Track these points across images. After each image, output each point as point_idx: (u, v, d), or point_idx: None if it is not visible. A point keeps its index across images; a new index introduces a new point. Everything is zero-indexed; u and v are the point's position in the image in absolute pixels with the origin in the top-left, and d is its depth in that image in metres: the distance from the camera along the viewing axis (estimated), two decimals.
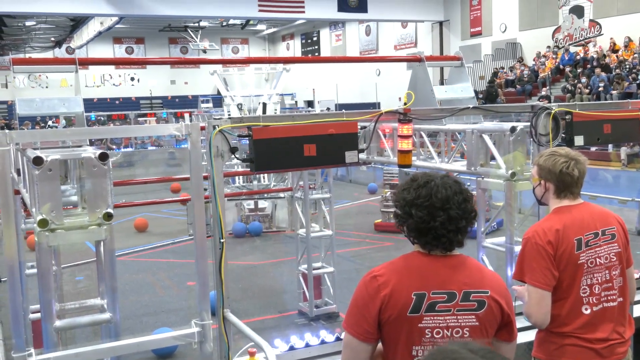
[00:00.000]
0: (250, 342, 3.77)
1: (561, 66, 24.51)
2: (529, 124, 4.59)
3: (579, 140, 4.63)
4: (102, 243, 3.69)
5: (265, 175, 13.96)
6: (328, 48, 38.80)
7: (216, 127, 3.53)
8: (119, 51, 39.60)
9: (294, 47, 41.97)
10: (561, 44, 25.30)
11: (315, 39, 39.67)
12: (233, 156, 3.64)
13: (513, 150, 4.69)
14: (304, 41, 40.90)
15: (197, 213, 3.59)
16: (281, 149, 3.70)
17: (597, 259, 3.30)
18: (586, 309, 3.30)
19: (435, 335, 2.43)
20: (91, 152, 3.54)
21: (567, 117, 4.58)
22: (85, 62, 4.03)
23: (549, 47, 25.73)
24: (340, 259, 9.08)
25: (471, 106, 4.32)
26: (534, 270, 3.22)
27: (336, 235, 8.18)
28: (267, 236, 12.71)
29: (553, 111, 4.49)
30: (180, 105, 36.60)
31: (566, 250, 3.24)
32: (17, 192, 4.53)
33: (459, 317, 2.44)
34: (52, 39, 35.35)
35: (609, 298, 3.33)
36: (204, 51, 36.79)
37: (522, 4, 26.80)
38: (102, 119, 26.86)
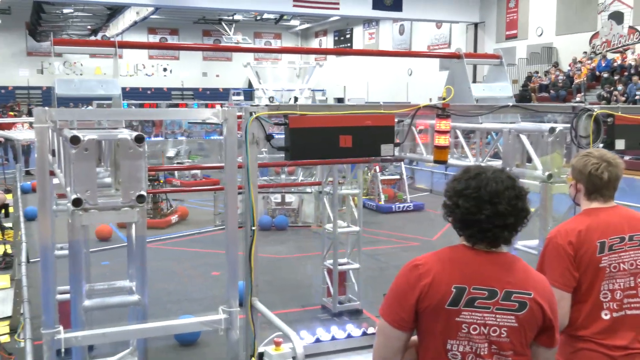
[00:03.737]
0: (277, 332, 3.75)
1: (597, 73, 24.10)
2: (568, 125, 4.50)
3: (620, 144, 4.52)
4: (133, 225, 3.71)
5: (294, 168, 13.97)
6: (361, 46, 38.69)
7: (253, 113, 3.51)
8: (153, 41, 39.97)
9: (327, 44, 41.94)
10: (598, 50, 24.88)
11: (348, 36, 39.59)
12: (268, 144, 3.61)
13: (551, 151, 4.60)
14: (336, 38, 40.84)
15: (229, 200, 3.57)
16: (317, 139, 3.67)
17: (621, 264, 3.22)
18: (606, 314, 3.22)
19: (471, 332, 2.39)
20: (127, 133, 3.55)
21: (608, 119, 4.47)
22: (124, 45, 4.06)
23: (585, 52, 25.31)
24: (366, 256, 9.01)
25: (511, 104, 4.23)
26: (554, 270, 3.18)
27: (363, 233, 8.12)
28: (293, 230, 12.69)
29: (595, 113, 4.38)
30: (212, 97, 36.84)
31: (587, 253, 3.17)
32: (52, 173, 4.56)
33: (497, 315, 2.39)
34: (89, 27, 35.78)
35: (632, 305, 3.24)
36: (237, 44, 36.92)
37: (560, 8, 26.39)
38: (134, 107, 27.08)
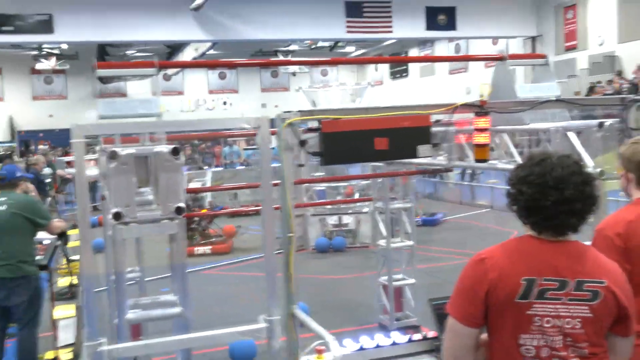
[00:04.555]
0: (319, 341, 3.69)
1: None
2: (619, 119, 4.32)
3: None
4: (174, 237, 3.75)
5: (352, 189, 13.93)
6: (417, 68, 38.55)
7: (286, 119, 3.52)
8: (212, 77, 41.00)
9: (383, 68, 41.99)
10: None
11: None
12: (302, 149, 3.60)
13: (602, 147, 4.42)
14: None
15: (265, 205, 3.55)
16: (351, 142, 3.64)
17: None
18: None
19: (545, 325, 2.30)
20: (164, 147, 3.61)
21: None
22: (165, 65, 4.16)
23: None
24: (422, 273, 8.84)
25: (554, 98, 4.09)
26: None
27: (419, 251, 7.97)
28: (351, 251, 12.60)
29: None
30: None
31: (638, 244, 3.00)
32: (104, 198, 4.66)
33: (570, 306, 2.30)
34: None
35: None
36: (294, 74, 37.47)
37: (622, 16, 25.62)
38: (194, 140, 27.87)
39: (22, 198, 6.34)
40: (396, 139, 3.68)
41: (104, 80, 38.28)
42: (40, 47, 30.52)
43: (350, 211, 13.23)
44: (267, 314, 3.64)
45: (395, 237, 8.00)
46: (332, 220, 13.19)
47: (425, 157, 3.71)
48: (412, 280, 7.82)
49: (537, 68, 5.37)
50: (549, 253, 2.35)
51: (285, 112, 3.53)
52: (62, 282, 9.50)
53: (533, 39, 29.84)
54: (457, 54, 35.19)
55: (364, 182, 13.16)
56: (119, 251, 3.60)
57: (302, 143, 3.55)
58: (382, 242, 7.80)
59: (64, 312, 7.34)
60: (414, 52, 38.74)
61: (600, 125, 4.38)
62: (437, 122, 3.79)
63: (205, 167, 22.67)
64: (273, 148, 3.67)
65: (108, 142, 4.20)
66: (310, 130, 3.58)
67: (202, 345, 3.52)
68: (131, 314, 3.64)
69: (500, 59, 5.15)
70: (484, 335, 2.45)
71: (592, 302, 2.31)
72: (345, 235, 12.99)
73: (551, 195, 2.30)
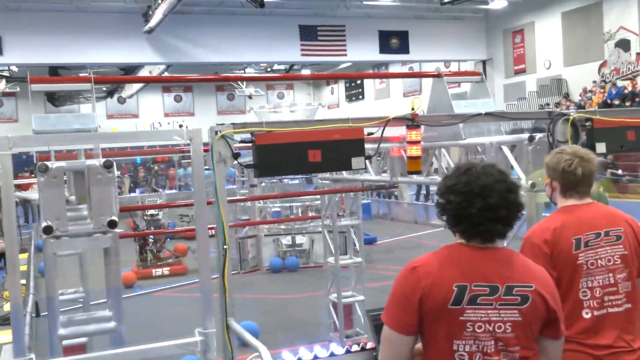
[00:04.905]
0: (256, 353, 3.68)
1: (608, 100, 23.96)
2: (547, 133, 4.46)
3: (600, 147, 4.45)
4: (108, 252, 3.72)
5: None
6: (372, 91, 39.04)
7: (218, 132, 3.54)
8: (168, 100, 40.75)
9: (339, 91, 42.38)
10: (608, 78, 24.81)
11: (359, 82, 39.99)
12: (236, 162, 3.63)
13: (532, 160, 4.56)
14: (347, 85, 41.28)
15: (199, 219, 3.56)
16: (285, 155, 3.68)
17: (598, 260, 3.14)
18: (587, 313, 3.13)
19: (476, 330, 2.35)
20: (96, 160, 3.59)
21: (587, 123, 4.43)
22: (101, 81, 4.14)
23: (595, 82, 25.26)
24: (374, 291, 8.90)
25: (484, 112, 4.22)
26: None
27: (371, 270, 8.03)
28: (304, 271, 12.63)
29: (571, 117, 4.35)
30: None
31: (563, 250, 3.10)
32: None
33: (501, 311, 2.35)
34: (104, 89, 36.62)
35: (613, 303, 3.14)
36: (250, 97, 37.48)
37: (566, 41, 26.49)
38: (148, 163, 27.65)
39: None
40: (330, 151, 3.73)
41: (56, 103, 37.64)
42: None
43: (304, 231, 13.25)
44: (202, 327, 3.62)
45: (344, 255, 8.05)
46: (286, 240, 13.20)
47: (360, 169, 3.77)
48: (361, 297, 7.86)
49: (473, 85, 5.53)
50: (479, 259, 2.41)
51: (218, 124, 3.55)
52: (7, 306, 9.30)
53: (484, 62, 30.58)
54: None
55: (318, 202, 13.22)
56: (50, 266, 3.55)
57: (236, 155, 3.58)
58: (331, 260, 7.84)
59: (7, 336, 7.16)
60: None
61: (531, 139, 4.52)
62: (371, 135, 3.85)
63: (160, 190, 22.43)
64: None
65: (43, 159, 4.16)
66: (243, 142, 3.61)
67: (136, 358, 3.47)
68: (63, 330, 3.58)
69: (437, 76, 5.30)
70: (419, 345, 2.49)
71: (522, 306, 2.36)
72: (298, 256, 13.01)
73: (477, 203, 2.36)
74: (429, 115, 4.08)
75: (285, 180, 15.96)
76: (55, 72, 30.54)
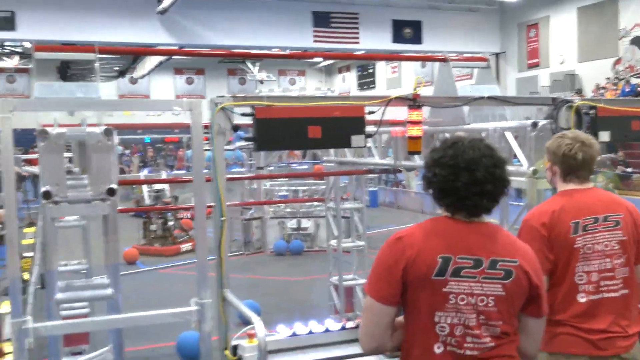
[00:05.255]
0: (251, 325, 3.71)
1: (621, 98, 23.80)
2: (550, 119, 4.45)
3: (604, 135, 4.44)
4: (107, 219, 3.75)
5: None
6: (384, 80, 38.91)
7: (218, 104, 3.56)
8: (180, 82, 40.77)
9: (350, 79, 42.29)
10: (622, 75, 24.60)
11: (371, 71, 39.89)
12: (235, 133, 3.64)
13: (535, 146, 4.55)
14: (359, 73, 41.20)
15: (197, 191, 3.58)
16: (285, 130, 3.69)
17: (595, 245, 3.14)
18: (582, 297, 3.13)
19: (459, 302, 2.35)
20: (96, 128, 3.62)
21: (591, 111, 4.42)
22: (106, 51, 4.18)
23: (608, 78, 25.04)
24: None
25: (487, 96, 4.21)
26: None
27: (374, 254, 8.01)
28: (308, 255, 12.68)
29: (575, 104, 4.34)
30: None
31: (560, 233, 3.11)
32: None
33: (484, 284, 2.36)
34: (116, 69, 36.69)
35: (609, 288, 3.15)
36: (261, 82, 37.44)
37: (581, 36, 26.27)
38: (158, 143, 27.71)
39: None
40: (330, 128, 3.74)
41: (67, 80, 37.75)
42: (2, 45, 29.98)
43: (309, 215, 13.30)
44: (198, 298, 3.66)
45: (347, 239, 8.09)
46: (291, 223, 13.26)
47: (359, 147, 3.78)
48: (362, 281, 7.89)
49: (479, 71, 5.52)
50: (464, 232, 2.41)
51: (218, 96, 3.57)
52: None
53: (497, 55, 30.37)
54: (422, 68, 35.60)
55: (324, 187, 13.25)
56: (49, 231, 3.59)
57: (235, 128, 3.59)
58: (333, 243, 7.87)
59: (6, 306, 7.23)
60: (381, 65, 39.11)
61: (534, 125, 4.51)
62: (372, 113, 3.85)
63: (168, 170, 22.54)
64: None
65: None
66: (244, 115, 3.62)
67: (131, 324, 3.51)
68: (60, 295, 3.62)
69: (443, 60, 5.29)
70: (400, 318, 2.49)
71: (505, 280, 2.37)
72: (303, 239, 13.06)
73: (462, 177, 2.36)
74: (431, 96, 4.07)
75: (293, 165, 16.01)
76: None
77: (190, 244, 13.05)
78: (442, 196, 2.44)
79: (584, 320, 3.13)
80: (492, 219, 2.58)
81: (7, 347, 6.89)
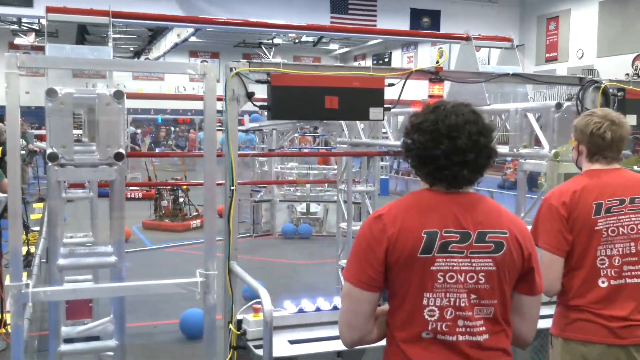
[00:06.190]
0: (257, 299, 3.60)
1: None
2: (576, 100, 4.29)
3: (631, 119, 4.26)
4: (113, 185, 3.63)
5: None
6: (401, 65, 38.67)
7: (233, 69, 3.42)
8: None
9: (367, 65, 42.09)
10: None
11: (386, 59, 39.61)
12: (249, 101, 3.51)
13: (558, 129, 4.39)
14: (375, 62, 40.92)
15: (207, 157, 3.43)
16: (301, 98, 3.55)
17: (620, 228, 2.97)
18: (603, 282, 2.97)
19: (448, 280, 2.14)
20: (106, 90, 3.49)
21: (619, 93, 4.25)
22: (120, 15, 4.07)
23: (627, 74, 24.69)
24: None
25: (511, 73, 4.04)
26: (547, 232, 2.96)
27: None
28: (317, 239, 12.56)
29: (603, 85, 4.17)
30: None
31: (581, 214, 2.94)
32: None
33: (472, 260, 2.15)
34: (132, 49, 36.66)
35: (632, 273, 2.98)
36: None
37: (602, 31, 25.92)
38: (169, 124, 27.72)
39: None
40: (347, 99, 3.59)
41: None
42: (20, 22, 29.98)
43: (319, 200, 13.21)
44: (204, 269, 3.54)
45: (357, 222, 7.96)
46: (301, 207, 13.15)
47: (377, 120, 3.63)
48: None
49: (502, 52, 5.35)
50: (447, 205, 2.20)
51: (233, 61, 3.43)
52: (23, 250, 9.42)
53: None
54: (440, 57, 35.32)
55: (335, 171, 13.14)
56: (53, 195, 3.48)
57: (250, 95, 3.45)
58: (343, 226, 7.75)
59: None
60: (397, 54, 38.83)
61: (558, 106, 4.34)
62: (392, 85, 3.70)
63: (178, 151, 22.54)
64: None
65: None
66: (259, 82, 3.48)
67: (133, 293, 3.39)
68: (62, 260, 3.51)
69: (465, 39, 5.12)
70: (385, 307, 2.28)
71: (496, 254, 2.16)
72: (312, 224, 12.94)
73: (442, 144, 2.14)
74: (454, 71, 3.92)
75: (305, 150, 15.90)
76: (84, 29, 30.60)
77: (199, 220, 12.99)
78: (420, 164, 2.22)
79: (604, 307, 2.97)
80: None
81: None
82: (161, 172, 17.78)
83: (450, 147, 2.14)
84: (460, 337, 2.16)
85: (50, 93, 3.37)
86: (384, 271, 2.17)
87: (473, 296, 2.16)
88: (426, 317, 2.15)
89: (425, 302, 2.15)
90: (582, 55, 26.99)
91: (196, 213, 13.37)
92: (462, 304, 2.15)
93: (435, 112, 2.20)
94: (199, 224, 12.88)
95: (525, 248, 2.23)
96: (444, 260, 2.13)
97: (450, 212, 2.18)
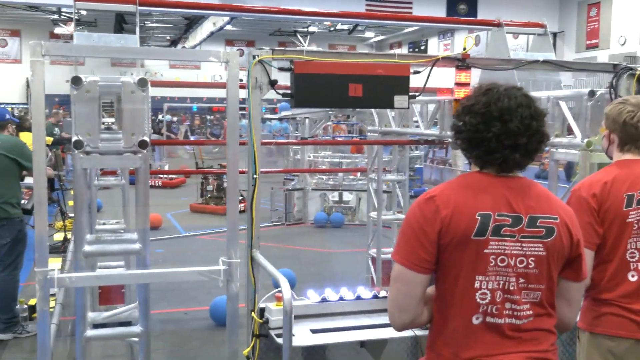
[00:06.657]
0: (278, 289, 3.59)
1: None
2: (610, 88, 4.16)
3: None
4: (138, 172, 3.65)
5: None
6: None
7: (256, 56, 3.40)
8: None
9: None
10: None
11: (423, 47, 39.15)
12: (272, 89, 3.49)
13: (591, 117, 4.27)
14: (411, 50, 40.50)
15: (230, 146, 3.43)
16: (324, 86, 3.51)
17: None
18: (633, 276, 2.88)
19: (499, 264, 2.13)
20: (130, 77, 3.51)
21: None
22: (148, 3, 4.07)
23: None
24: None
25: (542, 59, 3.93)
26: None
27: None
28: (349, 228, 12.52)
29: (638, 72, 4.03)
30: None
31: (612, 206, 2.85)
32: None
33: (523, 244, 2.14)
34: (168, 37, 36.98)
35: None
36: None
37: None
38: (205, 113, 27.94)
39: (10, 140, 6.30)
40: (372, 87, 3.55)
41: None
42: (60, 11, 30.47)
43: (351, 188, 13.17)
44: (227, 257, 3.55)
45: (388, 211, 7.91)
46: (333, 196, 13.13)
47: (402, 108, 3.57)
48: None
49: (535, 38, 5.21)
50: (499, 188, 2.18)
51: (256, 48, 3.41)
52: (57, 236, 9.63)
53: (554, 34, 29.39)
54: (476, 45, 34.76)
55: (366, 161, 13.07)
56: (79, 182, 3.52)
57: (273, 82, 3.43)
58: (373, 215, 7.70)
59: (52, 264, 7.33)
60: (433, 42, 38.36)
61: (592, 94, 4.22)
62: (417, 73, 3.63)
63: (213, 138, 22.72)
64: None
65: None
66: (282, 70, 3.45)
67: (156, 280, 3.42)
68: (88, 247, 3.56)
69: (497, 25, 5.01)
70: (429, 290, 2.25)
71: (547, 239, 2.17)
72: (344, 212, 12.91)
73: (494, 127, 2.13)
74: (481, 57, 3.83)
75: (338, 139, 15.86)
76: (122, 18, 30.98)
77: (242, 204, 13.11)
78: (471, 147, 2.20)
79: (634, 301, 2.89)
80: None
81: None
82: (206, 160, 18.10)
83: (502, 130, 2.13)
84: (507, 320, 2.17)
85: (75, 81, 3.40)
86: (436, 253, 2.16)
87: (522, 280, 2.16)
88: (478, 300, 2.16)
89: (477, 285, 2.15)
90: (625, 42, 26.25)
91: (240, 197, 13.53)
92: (512, 287, 2.16)
93: (487, 94, 2.19)
94: (242, 208, 12.99)
95: (575, 234, 2.23)
96: (497, 243, 2.14)
97: (502, 196, 2.17)
